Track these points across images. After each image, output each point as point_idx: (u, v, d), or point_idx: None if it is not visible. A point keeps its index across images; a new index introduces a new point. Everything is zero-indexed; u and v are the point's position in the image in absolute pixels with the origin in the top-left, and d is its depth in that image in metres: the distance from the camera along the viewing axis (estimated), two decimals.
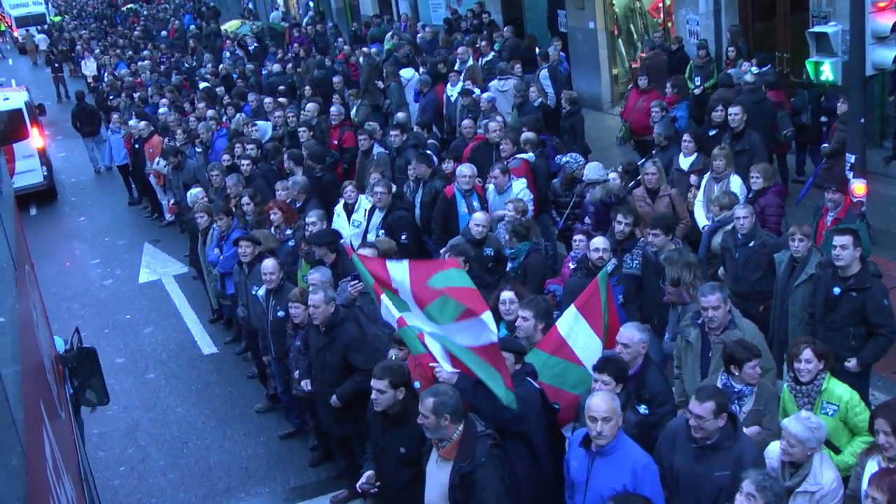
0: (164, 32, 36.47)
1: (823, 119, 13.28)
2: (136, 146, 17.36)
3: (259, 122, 15.82)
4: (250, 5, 40.96)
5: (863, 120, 10.26)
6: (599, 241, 8.50)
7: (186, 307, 13.76)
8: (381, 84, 19.50)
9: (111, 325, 13.68)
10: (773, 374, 7.25)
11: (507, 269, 9.35)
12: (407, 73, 19.35)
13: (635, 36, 21.31)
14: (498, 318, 7.63)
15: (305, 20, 32.58)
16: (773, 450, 5.94)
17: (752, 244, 8.96)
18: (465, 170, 11.24)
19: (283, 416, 10.21)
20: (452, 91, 17.19)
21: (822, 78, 10.23)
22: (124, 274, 15.80)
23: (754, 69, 14.37)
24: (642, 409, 6.49)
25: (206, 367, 11.92)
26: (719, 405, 5.78)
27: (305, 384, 8.41)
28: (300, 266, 10.60)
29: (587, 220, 10.85)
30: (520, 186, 11.22)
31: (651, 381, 6.68)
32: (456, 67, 18.42)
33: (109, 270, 16.03)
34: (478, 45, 20.35)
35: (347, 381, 7.92)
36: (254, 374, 11.09)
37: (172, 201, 14.79)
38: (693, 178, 11.11)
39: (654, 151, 12.97)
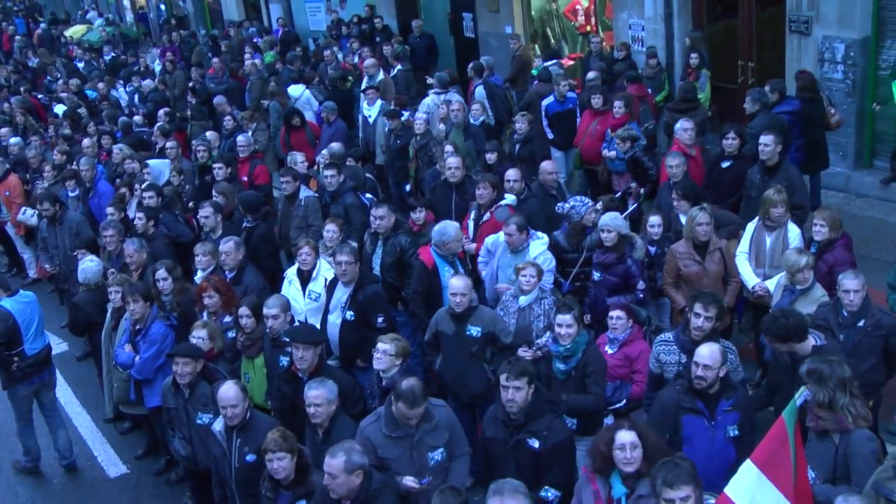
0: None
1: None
2: None
3: (152, 162, 12.62)
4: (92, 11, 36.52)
5: None
6: (708, 354, 6.11)
7: (74, 403, 10.49)
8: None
9: None
10: None
11: (561, 370, 6.95)
12: (296, 90, 16.60)
13: (552, 41, 19.37)
14: (610, 466, 5.43)
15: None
16: None
17: (861, 324, 7.02)
18: (450, 230, 8.79)
19: None
20: (370, 111, 14.69)
21: None
22: None
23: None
24: None
25: (115, 498, 8.88)
26: None
27: None
28: (241, 363, 8.14)
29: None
30: (540, 249, 8.74)
31: None
32: (366, 83, 15.88)
33: None
34: (384, 55, 17.98)
35: None
36: None
37: (50, 266, 11.43)
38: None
39: (640, 191, 10.94)
